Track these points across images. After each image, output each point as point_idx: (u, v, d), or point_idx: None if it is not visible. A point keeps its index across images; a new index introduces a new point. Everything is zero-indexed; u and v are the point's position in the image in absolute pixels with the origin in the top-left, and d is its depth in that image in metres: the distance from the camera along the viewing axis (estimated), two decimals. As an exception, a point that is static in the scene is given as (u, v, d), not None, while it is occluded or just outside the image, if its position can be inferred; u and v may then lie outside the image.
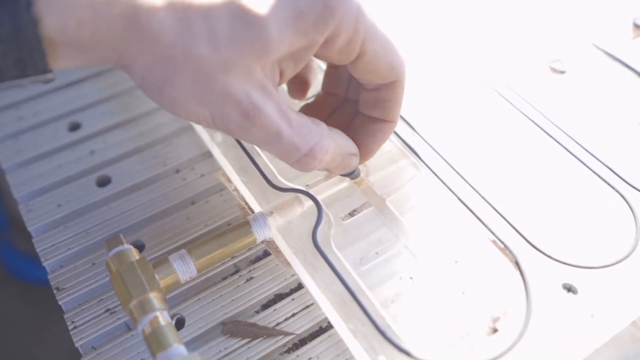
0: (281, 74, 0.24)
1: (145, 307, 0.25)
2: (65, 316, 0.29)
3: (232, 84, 0.22)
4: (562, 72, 0.38)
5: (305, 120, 0.25)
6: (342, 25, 0.22)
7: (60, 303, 0.30)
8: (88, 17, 0.20)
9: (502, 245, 0.28)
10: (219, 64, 0.22)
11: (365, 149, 0.28)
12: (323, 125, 0.26)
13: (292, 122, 0.24)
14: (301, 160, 0.25)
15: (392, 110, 0.27)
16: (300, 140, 0.24)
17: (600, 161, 0.32)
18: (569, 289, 0.27)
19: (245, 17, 0.21)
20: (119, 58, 0.22)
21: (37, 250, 0.32)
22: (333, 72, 0.30)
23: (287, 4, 0.21)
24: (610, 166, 0.32)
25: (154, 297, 0.25)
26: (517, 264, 0.28)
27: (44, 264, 0.31)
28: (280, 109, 0.24)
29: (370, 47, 0.24)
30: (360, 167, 0.32)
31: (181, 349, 0.24)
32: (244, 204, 0.32)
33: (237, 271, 0.31)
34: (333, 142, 0.26)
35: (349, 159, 0.27)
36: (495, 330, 0.26)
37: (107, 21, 0.20)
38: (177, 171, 0.36)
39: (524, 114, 0.35)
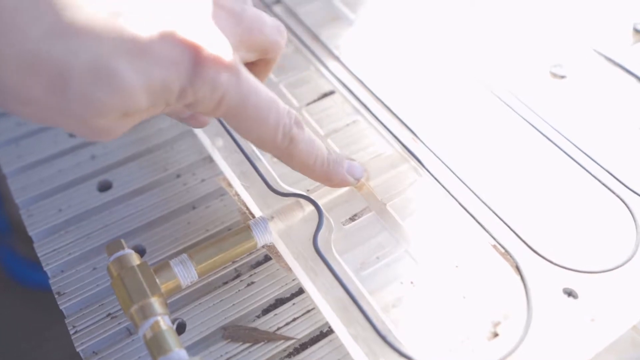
0: None
1: (146, 312, 0.25)
2: (66, 321, 0.29)
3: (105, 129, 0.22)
4: (563, 77, 0.38)
5: None
6: (200, 101, 0.22)
7: (61, 308, 0.30)
8: None
9: (502, 250, 0.28)
10: (77, 118, 0.21)
11: None
12: None
13: None
14: None
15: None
16: None
17: (601, 166, 0.32)
18: (570, 293, 0.27)
19: (107, 78, 0.20)
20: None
21: (39, 255, 0.32)
22: None
23: (153, 73, 0.20)
24: (610, 171, 0.32)
25: (155, 301, 0.25)
26: (517, 268, 0.28)
27: (45, 268, 0.31)
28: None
29: (233, 123, 0.24)
30: (361, 172, 0.32)
31: (182, 353, 0.24)
32: (245, 208, 0.32)
33: (237, 276, 0.31)
34: None
35: None
36: (495, 335, 0.26)
37: None
38: (178, 176, 0.36)
39: (524, 119, 0.35)
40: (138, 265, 0.26)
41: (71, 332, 0.29)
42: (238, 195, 0.32)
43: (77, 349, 0.28)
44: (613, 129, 0.35)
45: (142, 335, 0.25)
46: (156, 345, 0.24)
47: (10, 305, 0.90)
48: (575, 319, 0.26)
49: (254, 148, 0.33)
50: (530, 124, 0.35)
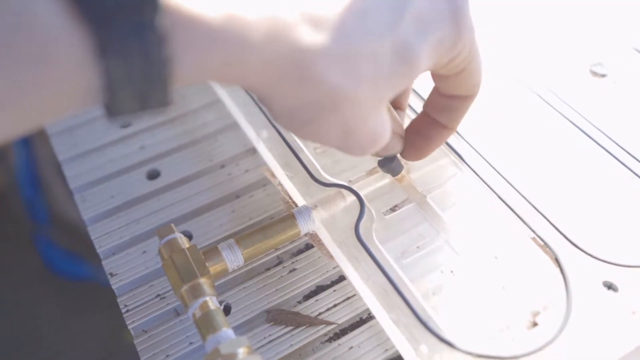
0: None
1: (195, 292, 0.26)
2: (118, 300, 0.31)
3: (380, 119, 0.23)
4: (603, 76, 0.38)
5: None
6: (464, 48, 0.23)
7: (113, 287, 0.31)
8: (237, 57, 0.18)
9: (542, 243, 0.29)
10: (374, 102, 0.22)
11: (420, 149, 0.29)
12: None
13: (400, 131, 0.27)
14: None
15: (457, 119, 0.27)
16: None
17: (642, 162, 0.32)
18: (610, 286, 0.27)
19: (407, 54, 0.21)
20: (262, 92, 0.21)
21: (92, 237, 0.33)
22: None
23: (434, 32, 0.21)
24: (651, 168, 0.32)
25: (204, 282, 0.27)
26: (557, 260, 0.28)
27: (98, 250, 0.33)
28: (398, 127, 0.27)
29: (472, 65, 0.24)
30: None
31: (230, 332, 0.25)
32: (288, 198, 0.33)
33: (280, 263, 0.32)
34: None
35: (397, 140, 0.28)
36: (535, 324, 0.26)
37: (261, 63, 0.18)
38: (222, 166, 0.37)
39: (563, 116, 0.35)
40: (188, 248, 0.28)
41: (123, 311, 0.30)
42: (281, 185, 0.33)
43: (129, 327, 0.30)
44: (654, 127, 0.35)
45: (192, 315, 0.26)
46: (205, 324, 0.25)
47: (45, 296, 0.92)
48: (616, 312, 0.26)
49: (297, 139, 0.34)
50: (570, 120, 0.35)
